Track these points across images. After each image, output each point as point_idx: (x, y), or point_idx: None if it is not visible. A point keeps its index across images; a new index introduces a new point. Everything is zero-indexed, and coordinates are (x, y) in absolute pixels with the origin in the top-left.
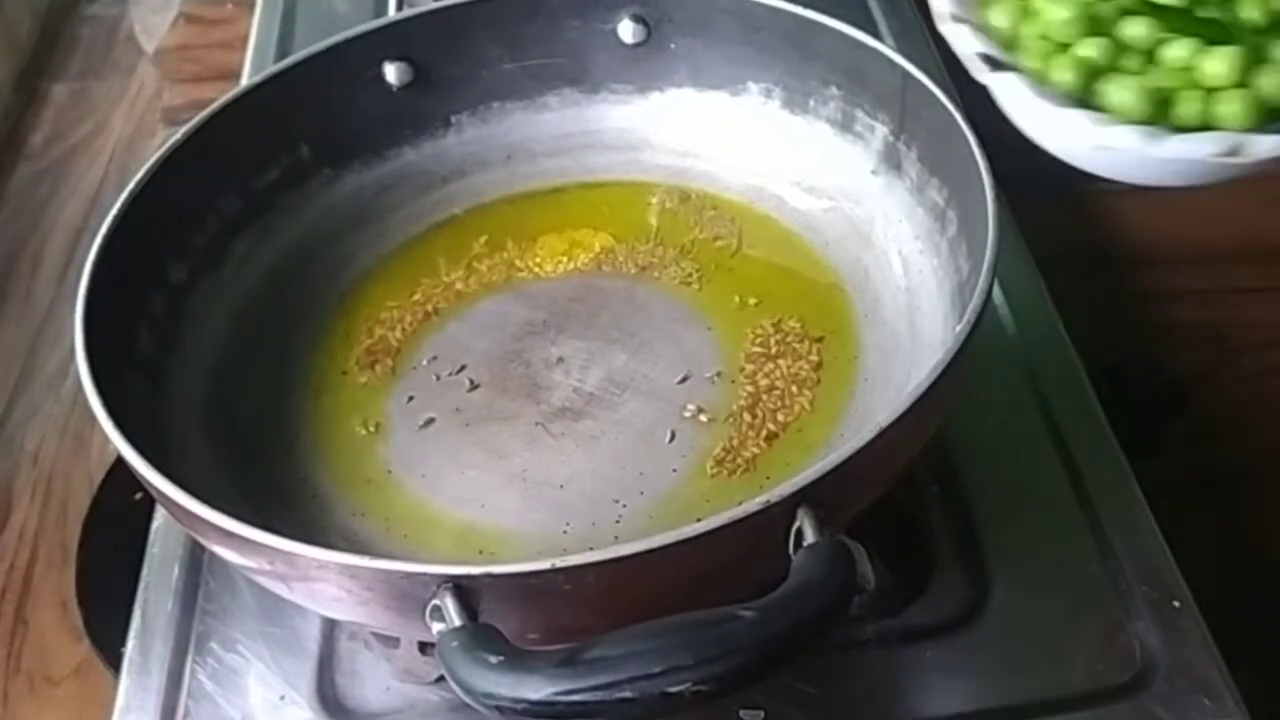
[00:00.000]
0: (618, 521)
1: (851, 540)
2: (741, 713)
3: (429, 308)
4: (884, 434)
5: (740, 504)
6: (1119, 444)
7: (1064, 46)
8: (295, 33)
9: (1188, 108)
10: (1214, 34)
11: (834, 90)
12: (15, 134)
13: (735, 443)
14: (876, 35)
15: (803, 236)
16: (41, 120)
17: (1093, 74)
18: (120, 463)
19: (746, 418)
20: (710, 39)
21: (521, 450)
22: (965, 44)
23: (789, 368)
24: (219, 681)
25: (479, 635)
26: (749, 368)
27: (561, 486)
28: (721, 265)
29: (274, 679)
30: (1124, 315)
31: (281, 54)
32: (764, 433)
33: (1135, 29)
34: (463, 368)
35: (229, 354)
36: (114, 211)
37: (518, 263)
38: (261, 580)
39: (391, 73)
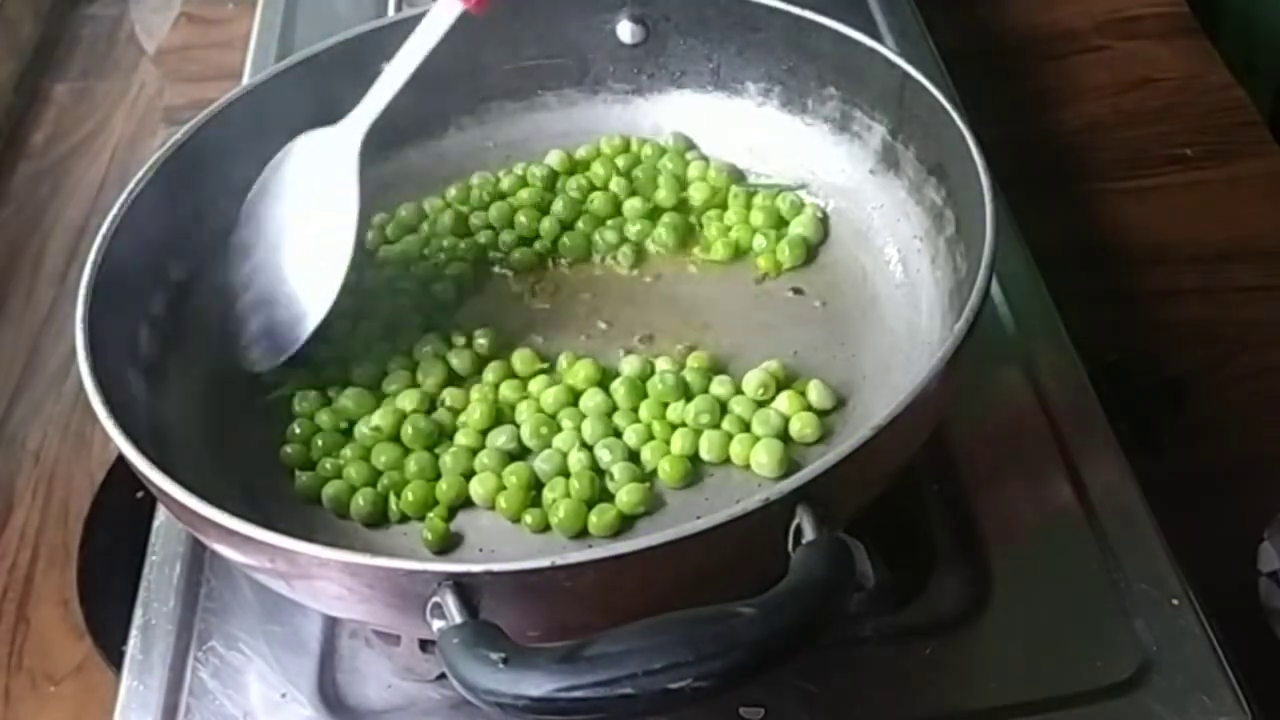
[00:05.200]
0: None
1: (851, 538)
2: (742, 710)
3: None
4: (882, 432)
5: (739, 502)
6: (1119, 443)
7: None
8: (296, 33)
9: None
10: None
11: (832, 90)
12: (17, 133)
13: None
14: (875, 35)
15: None
16: (43, 120)
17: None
18: (121, 461)
19: None
20: (709, 39)
21: None
22: None
23: None
24: (220, 679)
25: (480, 632)
26: None
27: None
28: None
29: (275, 677)
30: (1123, 314)
31: (282, 54)
32: None
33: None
34: None
35: (229, 353)
36: (115, 211)
37: None
38: (262, 578)
39: None
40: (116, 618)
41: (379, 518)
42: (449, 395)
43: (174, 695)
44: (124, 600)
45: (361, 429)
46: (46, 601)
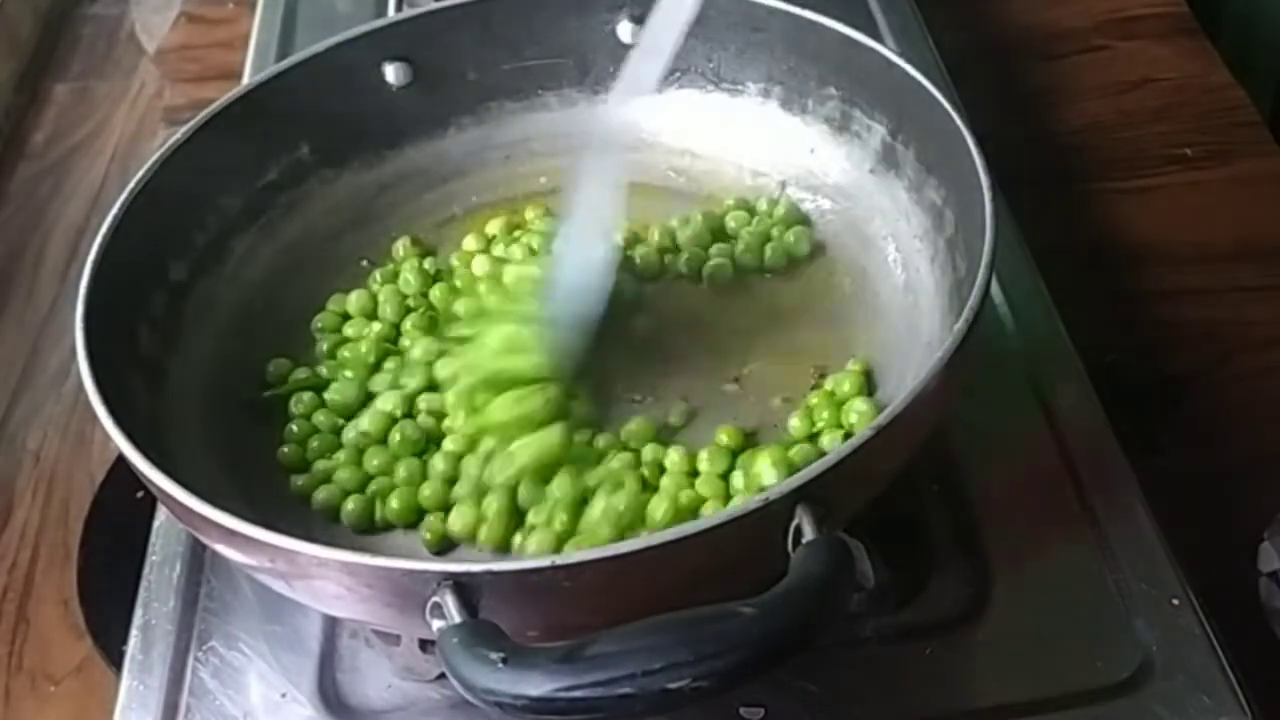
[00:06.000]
0: None
1: (851, 538)
2: (742, 710)
3: None
4: (881, 433)
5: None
6: (1119, 442)
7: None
8: (296, 33)
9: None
10: None
11: (832, 90)
12: (17, 133)
13: None
14: (875, 35)
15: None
16: (43, 120)
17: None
18: (121, 461)
19: None
20: (709, 39)
21: None
22: None
23: None
24: (221, 679)
25: (479, 632)
26: None
27: None
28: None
29: (275, 677)
30: (1123, 314)
31: (282, 54)
32: None
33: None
34: None
35: (229, 352)
36: (115, 211)
37: None
38: (262, 578)
39: (391, 73)
40: (116, 618)
41: (367, 523)
42: (426, 401)
43: (174, 695)
44: (124, 600)
45: (349, 433)
46: (47, 601)
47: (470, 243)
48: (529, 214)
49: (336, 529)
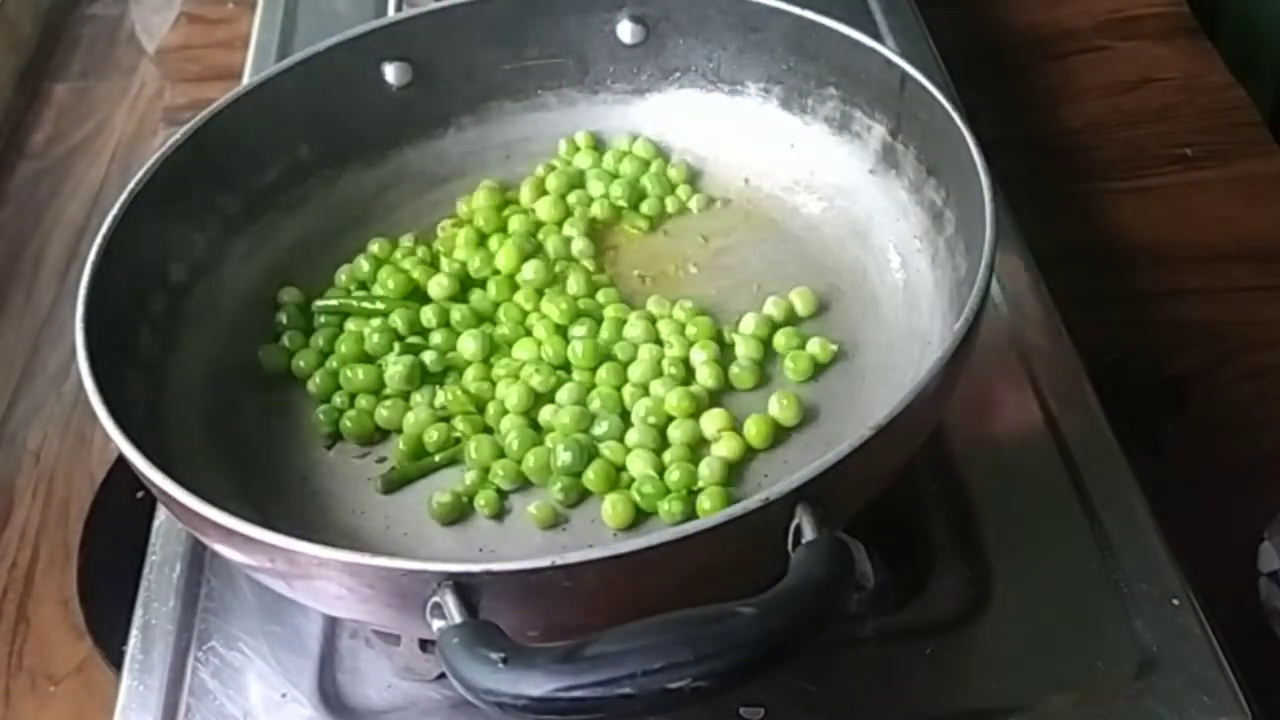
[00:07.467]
0: None
1: (851, 538)
2: (742, 710)
3: None
4: (881, 432)
5: (739, 501)
6: (1119, 443)
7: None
8: (296, 33)
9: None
10: None
11: (832, 90)
12: (17, 133)
13: None
14: (875, 35)
15: (801, 236)
16: (43, 119)
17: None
18: (121, 461)
19: None
20: (709, 39)
21: None
22: None
23: None
24: (221, 679)
25: (479, 632)
26: None
27: None
28: (720, 265)
29: (275, 677)
30: (1124, 314)
31: (282, 54)
32: None
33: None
34: None
35: (229, 353)
36: (115, 211)
37: None
38: (262, 578)
39: (391, 73)
40: (117, 618)
41: (330, 389)
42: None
43: (174, 695)
44: (124, 600)
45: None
46: (47, 601)
47: (461, 208)
48: (524, 196)
49: (337, 529)
